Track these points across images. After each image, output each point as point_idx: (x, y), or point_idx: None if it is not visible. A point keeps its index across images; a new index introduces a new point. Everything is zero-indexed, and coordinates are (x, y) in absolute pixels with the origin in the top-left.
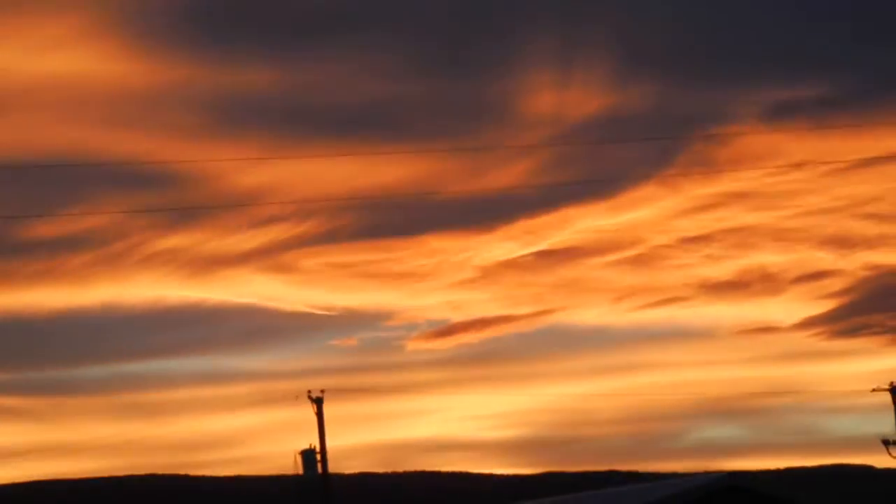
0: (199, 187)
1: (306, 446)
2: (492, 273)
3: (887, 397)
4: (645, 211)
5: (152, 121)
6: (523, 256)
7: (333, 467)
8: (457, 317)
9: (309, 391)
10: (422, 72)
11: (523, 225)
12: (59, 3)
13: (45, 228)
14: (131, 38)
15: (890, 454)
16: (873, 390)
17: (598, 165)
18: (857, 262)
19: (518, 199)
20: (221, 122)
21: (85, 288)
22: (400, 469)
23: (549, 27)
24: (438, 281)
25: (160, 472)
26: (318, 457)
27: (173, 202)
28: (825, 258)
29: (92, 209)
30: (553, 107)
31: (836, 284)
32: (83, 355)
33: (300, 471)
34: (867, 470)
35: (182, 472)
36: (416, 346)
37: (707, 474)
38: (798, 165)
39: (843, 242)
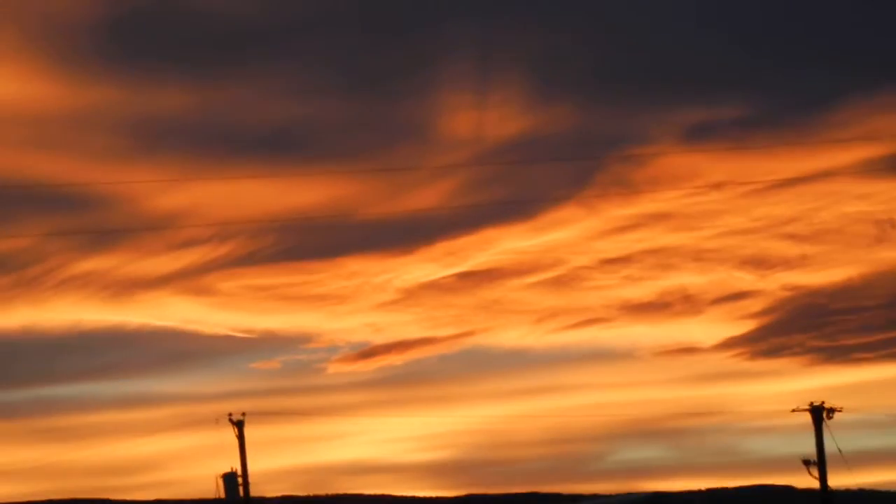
0: (116, 210)
1: (228, 470)
2: (413, 295)
3: (807, 417)
4: (565, 232)
5: (69, 143)
6: (444, 278)
7: (255, 491)
8: (378, 339)
9: (230, 414)
10: (340, 93)
11: (444, 246)
12: None
13: None
14: (47, 59)
15: (811, 474)
16: (793, 410)
17: (517, 186)
18: (777, 283)
19: (438, 220)
20: (139, 144)
21: (2, 311)
22: (322, 492)
23: (468, 47)
24: (359, 303)
25: (81, 496)
26: (240, 480)
27: (91, 225)
28: (745, 279)
29: (8, 232)
30: (472, 127)
31: (755, 305)
32: (2, 379)
33: (222, 494)
34: (788, 490)
35: (103, 496)
36: (338, 369)
37: (629, 494)
38: (717, 186)
39: (762, 263)
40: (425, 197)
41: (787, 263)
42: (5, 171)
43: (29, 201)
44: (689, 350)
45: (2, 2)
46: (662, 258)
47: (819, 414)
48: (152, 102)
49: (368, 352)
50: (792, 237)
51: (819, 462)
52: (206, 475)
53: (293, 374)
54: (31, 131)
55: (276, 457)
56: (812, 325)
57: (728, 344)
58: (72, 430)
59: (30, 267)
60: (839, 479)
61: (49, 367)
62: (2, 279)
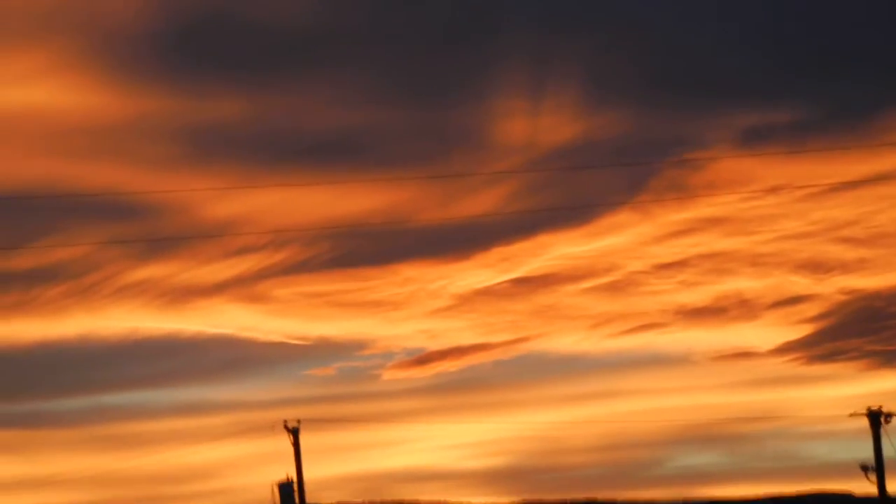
0: (172, 218)
1: (283, 477)
2: (468, 301)
3: (865, 422)
4: (620, 237)
5: (125, 152)
6: (499, 284)
7: (311, 498)
8: (433, 345)
9: (285, 421)
10: (394, 99)
11: (499, 252)
12: (29, 36)
13: (19, 261)
14: (102, 70)
15: (868, 480)
16: (851, 415)
17: (572, 192)
18: (834, 287)
19: (493, 226)
20: (194, 153)
21: (60, 320)
22: (378, 499)
23: (521, 52)
24: (414, 309)
25: None
26: (296, 487)
27: (147, 233)
28: (801, 283)
29: (65, 241)
30: (526, 133)
31: (812, 309)
32: (59, 387)
33: (277, 502)
34: (846, 497)
35: None
36: (393, 375)
37: (686, 503)
38: (773, 190)
39: (818, 267)
40: (480, 203)
41: (843, 267)
42: (62, 181)
43: (85, 210)
44: (746, 355)
45: (58, 13)
46: (718, 263)
47: (877, 418)
48: (208, 111)
49: (423, 358)
50: (848, 241)
51: (877, 467)
52: (262, 483)
53: (348, 381)
54: (88, 140)
55: (331, 464)
56: (869, 329)
57: (785, 348)
58: (128, 437)
59: (86, 275)
60: None
61: (106, 374)
62: (58, 287)
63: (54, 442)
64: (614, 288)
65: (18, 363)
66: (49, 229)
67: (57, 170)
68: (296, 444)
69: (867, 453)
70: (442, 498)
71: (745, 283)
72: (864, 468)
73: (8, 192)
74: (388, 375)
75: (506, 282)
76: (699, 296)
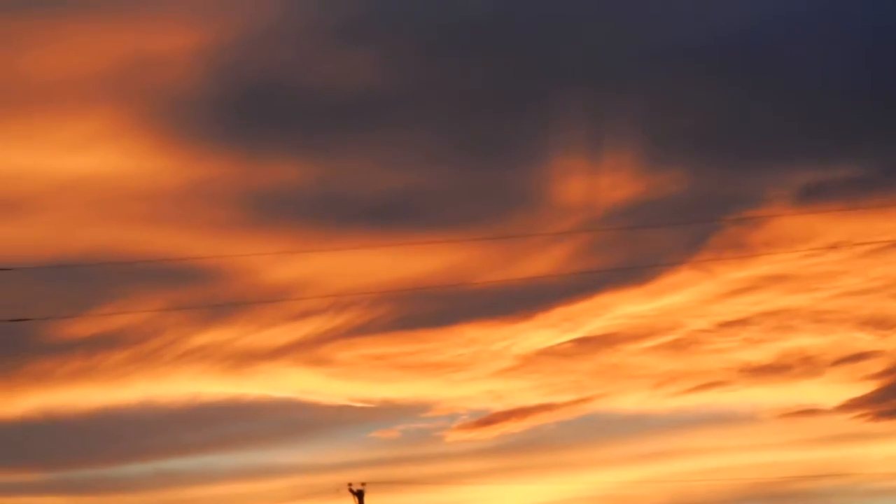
0: (233, 282)
1: None
2: (531, 361)
3: None
4: (681, 296)
5: (185, 217)
6: (562, 344)
7: None
8: (497, 406)
9: (350, 484)
10: (451, 161)
11: (560, 312)
12: (88, 101)
13: (80, 328)
14: (161, 134)
15: None
16: None
17: (632, 251)
18: None
19: (554, 286)
20: (254, 217)
21: (122, 386)
22: None
23: (579, 111)
24: (477, 370)
25: None
26: None
27: (208, 298)
28: (864, 339)
29: (126, 307)
30: (585, 192)
31: (877, 365)
32: (121, 454)
33: None
34: None
35: None
36: (457, 437)
37: None
38: (833, 247)
39: (881, 323)
40: (540, 263)
41: None
42: (122, 247)
43: (146, 276)
44: (811, 412)
45: (117, 79)
46: (781, 320)
47: None
48: (266, 175)
49: (488, 419)
50: None
51: None
52: None
53: (412, 443)
54: (147, 206)
55: None
56: None
57: (850, 405)
58: (193, 502)
59: (148, 341)
60: None
61: (168, 440)
62: (120, 354)
63: None
64: (677, 346)
65: (80, 430)
66: (110, 296)
67: (117, 236)
68: None
69: None
70: None
71: (808, 340)
72: None
73: (68, 259)
74: (452, 437)
75: (568, 342)
76: (762, 353)
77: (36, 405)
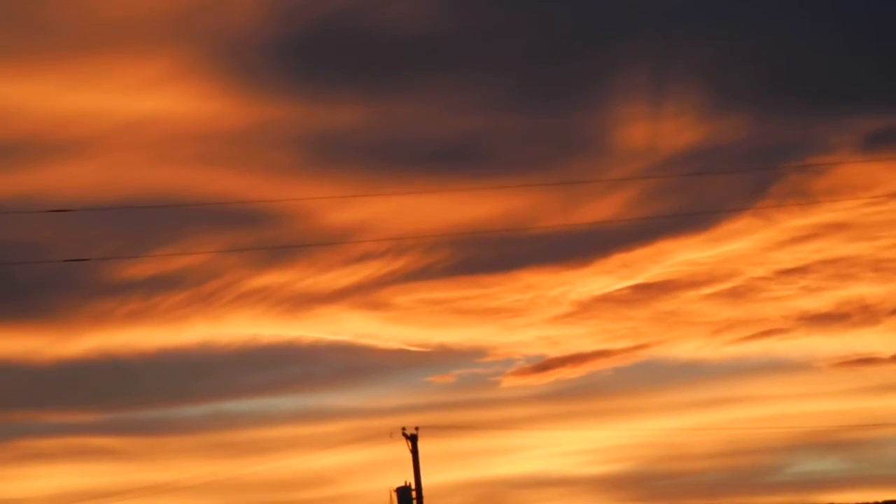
0: (293, 225)
1: (401, 483)
2: (588, 307)
3: None
4: (741, 243)
5: (245, 159)
6: (619, 290)
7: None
8: (553, 352)
9: (403, 428)
10: (513, 106)
11: (619, 258)
12: (151, 44)
13: (140, 269)
14: (225, 77)
15: None
16: None
17: (692, 197)
18: None
19: (613, 232)
20: (315, 160)
21: (180, 327)
22: None
23: (643, 57)
24: (534, 316)
25: None
26: (414, 494)
27: (266, 240)
28: None
29: (185, 249)
30: (645, 139)
31: None
32: (179, 395)
33: None
34: None
35: None
36: (513, 382)
37: None
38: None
39: None
40: (600, 209)
41: None
42: (182, 189)
43: (205, 218)
44: (868, 361)
45: (181, 21)
46: (840, 268)
47: None
48: (327, 118)
49: (543, 365)
50: None
51: None
52: (380, 489)
53: (467, 388)
54: (207, 148)
55: (449, 470)
56: None
57: None
58: (248, 444)
59: (207, 283)
60: None
61: (225, 382)
62: (179, 295)
63: (175, 448)
64: (735, 294)
65: (140, 370)
66: (169, 237)
67: (178, 177)
68: (414, 451)
69: None
70: None
71: (867, 289)
72: None
73: (130, 201)
74: (507, 382)
75: (626, 288)
76: (821, 302)
77: (95, 345)
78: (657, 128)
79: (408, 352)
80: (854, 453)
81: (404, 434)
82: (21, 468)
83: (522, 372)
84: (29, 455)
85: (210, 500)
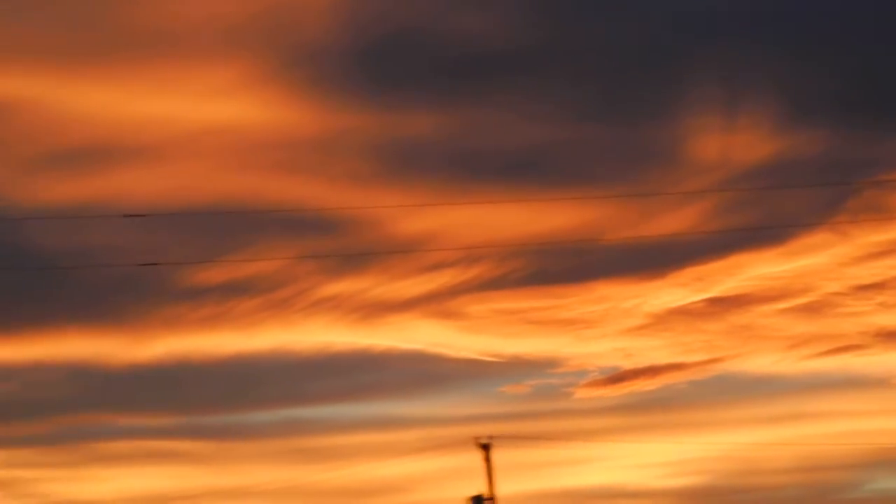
0: (366, 233)
1: (474, 493)
2: (662, 320)
3: None
4: (816, 258)
5: (319, 167)
6: (694, 303)
7: None
8: (627, 364)
9: (477, 438)
10: (587, 117)
11: (693, 271)
12: (226, 50)
13: (213, 274)
14: (296, 84)
15: None
16: None
17: (767, 211)
18: None
19: (687, 245)
20: (388, 168)
21: (253, 333)
22: None
23: (715, 70)
24: (608, 328)
25: None
26: None
27: (340, 248)
28: None
29: (259, 255)
30: (720, 151)
31: None
32: (252, 400)
33: None
34: None
35: None
36: (586, 394)
37: None
38: None
39: None
40: (674, 221)
41: None
42: (257, 195)
43: (279, 224)
44: None
45: (252, 28)
46: None
47: None
48: (400, 127)
49: (618, 377)
50: None
51: None
52: (453, 498)
53: (541, 399)
54: (282, 156)
55: (522, 481)
56: None
57: None
58: (320, 451)
59: (280, 289)
60: None
61: (298, 388)
62: (252, 301)
63: (247, 454)
64: (811, 309)
65: (212, 376)
66: (243, 243)
67: (250, 184)
68: (487, 461)
69: None
70: None
71: None
72: None
73: (203, 207)
74: (580, 393)
75: (700, 301)
76: None
77: (168, 350)
78: (731, 140)
79: (481, 361)
80: None
81: (478, 443)
82: (94, 470)
83: (596, 383)
84: (102, 457)
85: None
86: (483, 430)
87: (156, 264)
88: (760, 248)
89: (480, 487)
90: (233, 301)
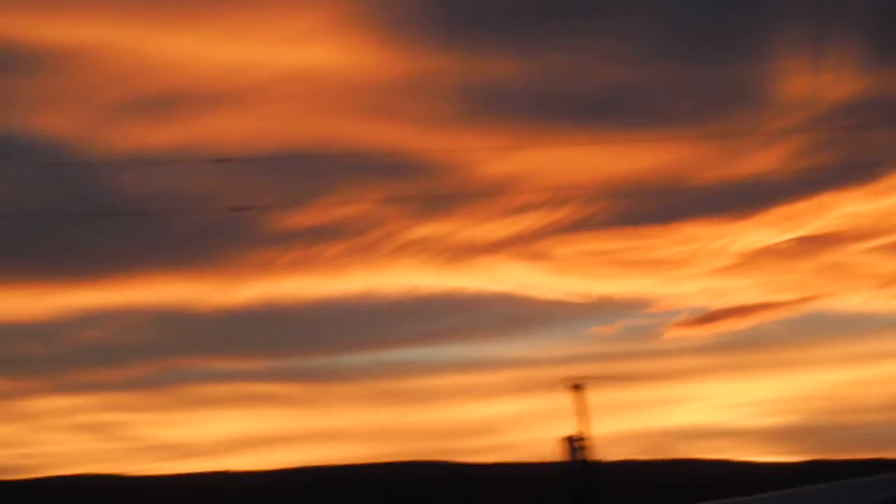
0: (451, 176)
1: (565, 433)
2: (751, 260)
3: None
4: None
5: (404, 111)
6: (782, 243)
7: (595, 454)
8: (716, 304)
9: (568, 378)
10: (674, 56)
11: (781, 211)
12: None
13: (301, 218)
14: (379, 28)
15: None
16: None
17: (855, 150)
18: None
19: (775, 184)
20: (472, 111)
21: (341, 277)
22: (661, 456)
23: (802, 8)
24: (696, 268)
25: (420, 458)
26: (580, 444)
27: (427, 191)
28: None
29: (346, 199)
30: (808, 90)
31: None
32: (341, 343)
33: (563, 457)
34: None
35: (442, 458)
36: (676, 334)
37: None
38: None
39: None
40: (761, 161)
41: None
42: (343, 139)
43: (365, 168)
44: None
45: None
46: None
47: None
48: (485, 70)
49: (707, 317)
50: None
51: None
52: (544, 438)
53: (631, 339)
54: (368, 99)
55: (614, 421)
56: None
57: None
58: (409, 393)
59: (367, 233)
60: None
61: (386, 331)
62: (339, 245)
63: (337, 396)
64: None
65: (301, 319)
66: (330, 187)
67: (337, 128)
68: (580, 401)
69: None
70: (726, 456)
71: None
72: None
73: (289, 151)
74: (671, 334)
75: (789, 241)
76: None
77: (257, 294)
78: (818, 79)
79: (570, 303)
80: None
81: (569, 384)
82: (186, 413)
83: (686, 323)
84: (194, 400)
85: (371, 447)
86: (572, 370)
87: (245, 208)
88: (849, 186)
89: (572, 428)
90: (321, 245)
